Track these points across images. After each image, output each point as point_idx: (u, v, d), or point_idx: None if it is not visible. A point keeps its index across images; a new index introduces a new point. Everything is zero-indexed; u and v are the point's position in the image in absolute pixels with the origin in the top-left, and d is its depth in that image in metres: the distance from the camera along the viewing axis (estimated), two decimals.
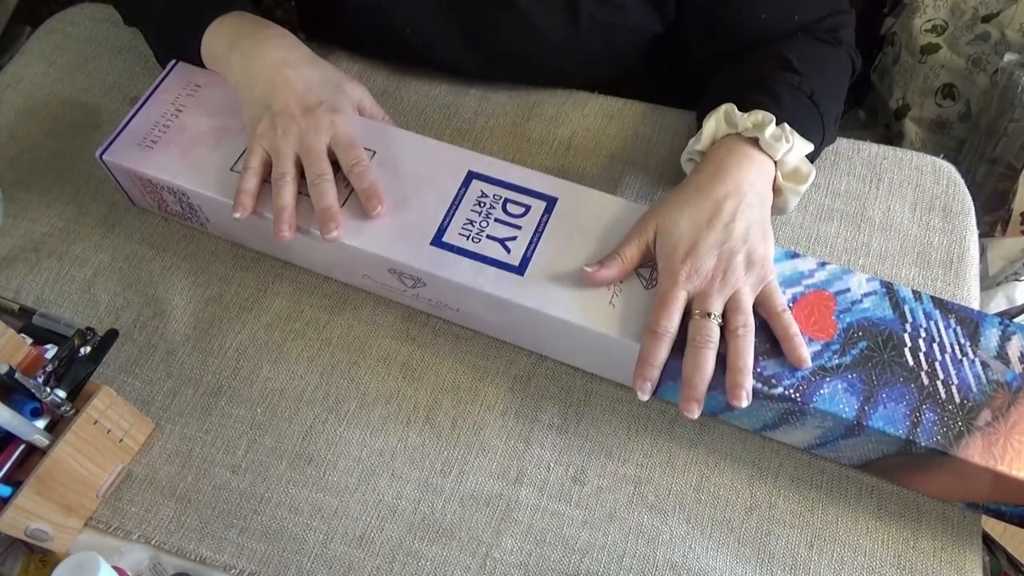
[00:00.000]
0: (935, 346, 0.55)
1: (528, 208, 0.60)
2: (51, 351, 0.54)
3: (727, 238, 0.55)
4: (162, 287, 0.66)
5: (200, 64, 0.67)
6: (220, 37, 0.65)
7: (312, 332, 0.64)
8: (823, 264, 0.58)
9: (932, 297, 0.57)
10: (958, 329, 0.56)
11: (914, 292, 0.57)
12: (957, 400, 0.53)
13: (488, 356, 0.63)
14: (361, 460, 0.59)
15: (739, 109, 0.59)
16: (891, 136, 1.21)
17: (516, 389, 0.61)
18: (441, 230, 0.59)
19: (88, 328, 0.55)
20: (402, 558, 0.55)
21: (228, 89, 0.66)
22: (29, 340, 0.54)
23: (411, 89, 0.76)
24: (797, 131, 0.59)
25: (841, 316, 0.56)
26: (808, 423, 0.55)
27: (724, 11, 0.67)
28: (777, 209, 0.61)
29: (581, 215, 0.60)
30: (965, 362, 0.54)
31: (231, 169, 0.63)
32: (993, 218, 1.03)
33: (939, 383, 0.54)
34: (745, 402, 0.52)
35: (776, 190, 0.60)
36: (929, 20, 1.16)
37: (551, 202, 0.60)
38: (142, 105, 0.66)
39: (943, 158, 0.72)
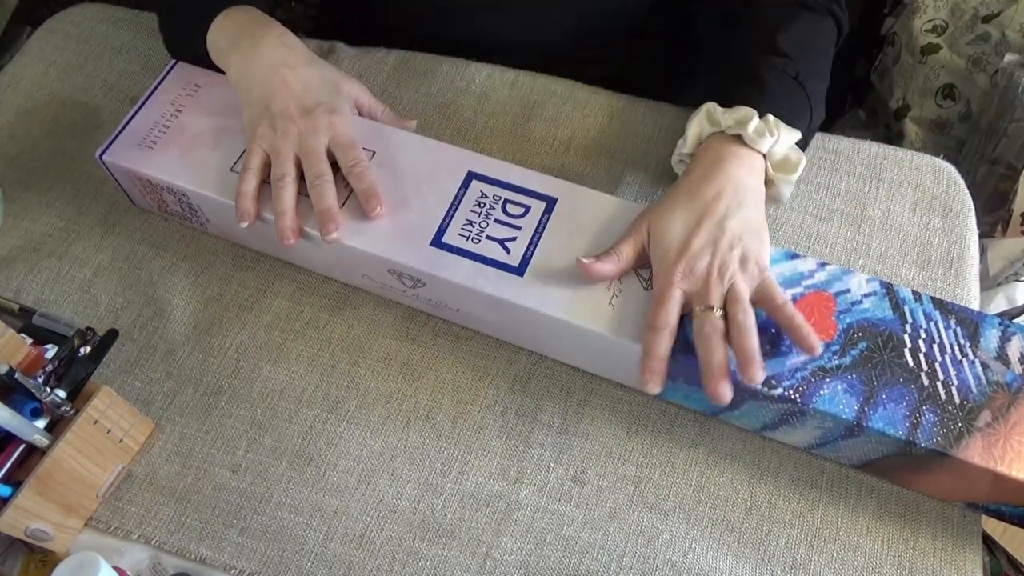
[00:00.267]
0: (935, 347, 0.55)
1: (528, 208, 0.60)
2: (51, 351, 0.54)
3: (720, 236, 0.55)
4: (162, 287, 0.66)
5: (208, 56, 0.67)
6: (223, 33, 0.65)
7: (312, 332, 0.64)
8: (823, 264, 0.58)
9: (932, 298, 0.57)
10: (958, 330, 0.56)
11: (914, 293, 0.57)
12: (957, 401, 0.53)
13: (488, 356, 0.63)
14: (361, 460, 0.59)
15: (725, 101, 0.60)
16: (891, 136, 1.21)
17: (516, 389, 0.61)
18: (441, 230, 0.59)
19: (88, 328, 0.55)
20: (402, 558, 0.55)
21: (227, 89, 0.66)
22: (29, 340, 0.54)
23: (411, 89, 0.76)
24: (784, 118, 0.59)
25: (841, 317, 0.56)
26: (808, 424, 0.55)
27: None
28: (772, 200, 0.61)
29: (581, 215, 0.60)
30: (965, 363, 0.54)
31: (231, 169, 0.63)
32: (993, 218, 1.03)
33: (939, 384, 0.54)
34: (760, 375, 0.51)
35: (768, 182, 0.60)
36: (929, 20, 1.16)
37: (551, 202, 0.60)
38: (142, 105, 0.66)
39: (943, 158, 0.72)
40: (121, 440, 0.56)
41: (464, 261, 0.58)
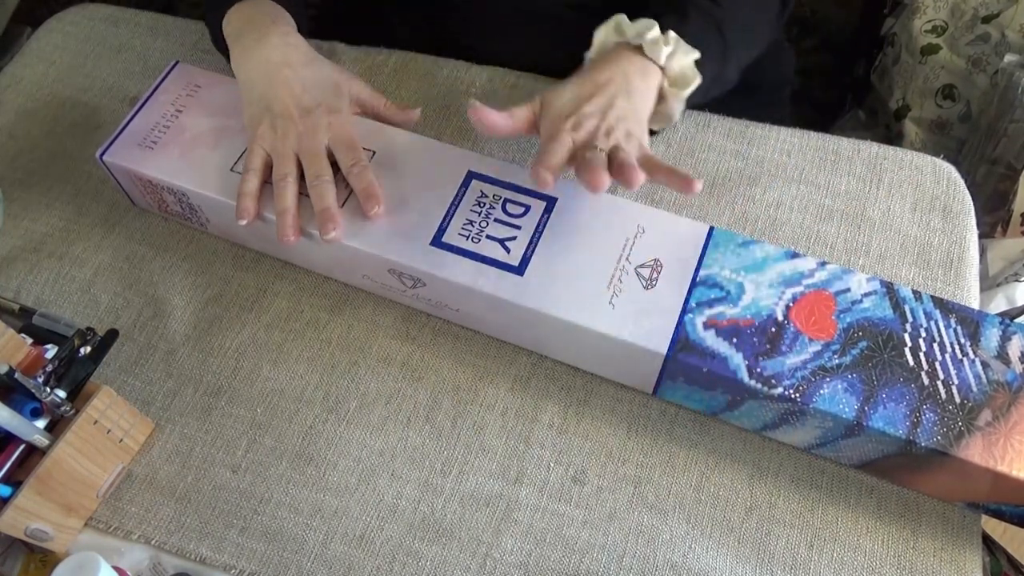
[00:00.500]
0: (935, 346, 0.55)
1: (528, 208, 0.60)
2: (51, 351, 0.54)
3: (608, 108, 0.58)
4: (162, 287, 0.66)
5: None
6: (231, 25, 0.65)
7: (312, 332, 0.64)
8: (823, 264, 0.58)
9: (932, 297, 0.57)
10: (958, 329, 0.56)
11: (914, 292, 0.57)
12: (957, 400, 0.53)
13: (488, 356, 0.63)
14: (361, 460, 0.59)
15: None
16: (891, 136, 1.21)
17: (516, 389, 0.61)
18: (441, 230, 0.59)
19: (88, 328, 0.55)
20: (402, 558, 0.55)
21: (228, 89, 0.66)
22: (29, 340, 0.54)
23: (411, 89, 0.76)
24: (690, 43, 0.61)
25: (841, 316, 0.56)
26: (808, 423, 0.55)
27: None
28: (664, 118, 0.64)
29: (581, 215, 0.60)
30: (965, 362, 0.54)
31: (231, 169, 0.63)
32: (993, 219, 1.03)
33: (939, 383, 0.54)
34: (640, 177, 0.54)
35: (660, 97, 0.62)
36: (929, 21, 1.16)
37: (551, 202, 0.60)
38: (142, 105, 0.66)
39: (943, 158, 0.72)
40: (121, 440, 0.56)
41: (464, 261, 0.58)
